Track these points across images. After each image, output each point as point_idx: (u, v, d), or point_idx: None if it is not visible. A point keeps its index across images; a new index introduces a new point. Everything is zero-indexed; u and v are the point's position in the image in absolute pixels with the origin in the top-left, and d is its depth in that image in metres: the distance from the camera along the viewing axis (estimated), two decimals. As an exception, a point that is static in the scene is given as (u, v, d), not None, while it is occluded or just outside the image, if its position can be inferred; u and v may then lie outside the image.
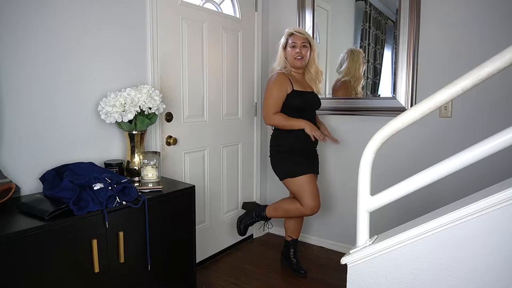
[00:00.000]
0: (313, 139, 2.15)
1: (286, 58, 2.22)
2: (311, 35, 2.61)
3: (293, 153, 2.21)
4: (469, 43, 2.06)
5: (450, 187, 2.03)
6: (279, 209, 2.30)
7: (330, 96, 2.65)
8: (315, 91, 2.31)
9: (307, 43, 2.20)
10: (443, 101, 0.97)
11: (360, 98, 2.52)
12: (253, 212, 2.41)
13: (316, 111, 2.64)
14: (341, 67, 2.57)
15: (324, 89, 2.67)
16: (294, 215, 2.28)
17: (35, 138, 1.57)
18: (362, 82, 2.52)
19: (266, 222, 2.49)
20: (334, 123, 2.61)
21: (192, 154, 2.34)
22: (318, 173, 2.35)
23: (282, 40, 2.24)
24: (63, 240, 1.25)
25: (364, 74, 2.51)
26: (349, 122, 2.54)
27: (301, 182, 2.16)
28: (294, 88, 2.17)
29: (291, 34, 2.21)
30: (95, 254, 1.32)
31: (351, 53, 2.53)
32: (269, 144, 2.36)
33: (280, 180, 2.26)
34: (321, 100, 2.35)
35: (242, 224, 2.42)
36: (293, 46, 2.19)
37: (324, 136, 2.22)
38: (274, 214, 2.33)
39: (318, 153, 2.39)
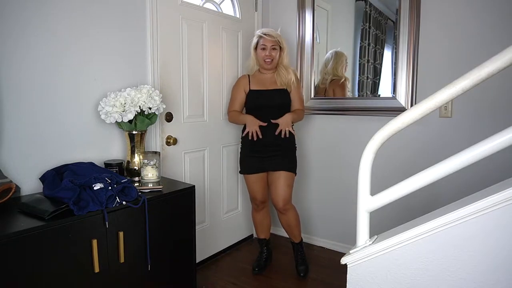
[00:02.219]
0: (250, 137, 2.18)
1: (257, 59, 2.28)
2: (311, 35, 2.61)
3: (245, 150, 2.31)
4: (469, 43, 2.06)
5: (450, 187, 2.03)
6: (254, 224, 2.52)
7: (329, 96, 2.64)
8: (283, 88, 2.24)
9: (277, 45, 2.22)
10: (443, 101, 0.97)
11: (360, 98, 2.52)
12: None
13: (314, 111, 2.65)
14: (326, 67, 2.63)
15: (325, 89, 2.67)
16: (252, 218, 2.47)
17: (35, 138, 1.57)
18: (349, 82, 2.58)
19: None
20: (333, 123, 2.61)
21: (192, 154, 2.34)
22: (279, 170, 2.21)
23: (254, 41, 2.27)
24: (63, 240, 1.25)
25: (363, 74, 2.52)
26: (348, 122, 2.54)
27: (245, 179, 2.36)
28: (251, 88, 2.26)
29: (261, 37, 2.22)
30: (95, 254, 1.32)
31: (336, 54, 2.59)
32: None
33: None
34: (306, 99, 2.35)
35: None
36: (263, 49, 2.21)
37: (258, 135, 2.16)
38: (256, 230, 2.51)
39: (291, 150, 2.28)
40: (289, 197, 2.25)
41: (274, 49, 2.21)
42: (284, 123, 2.15)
